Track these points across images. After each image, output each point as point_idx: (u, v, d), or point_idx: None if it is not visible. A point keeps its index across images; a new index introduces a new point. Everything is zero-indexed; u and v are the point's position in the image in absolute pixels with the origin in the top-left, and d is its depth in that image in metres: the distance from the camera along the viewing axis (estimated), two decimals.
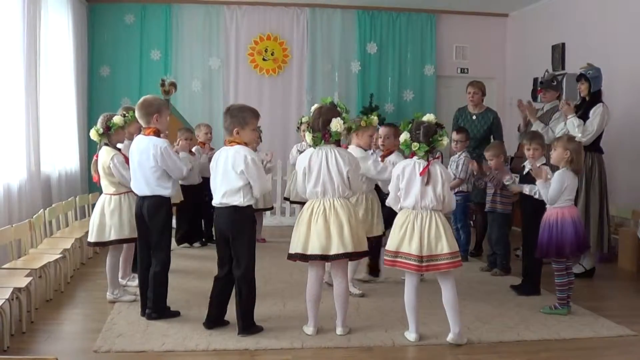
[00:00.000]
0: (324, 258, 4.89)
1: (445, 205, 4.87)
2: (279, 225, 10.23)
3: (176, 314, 5.50)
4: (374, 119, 6.07)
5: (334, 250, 4.83)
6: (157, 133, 5.38)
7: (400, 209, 4.92)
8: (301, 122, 8.66)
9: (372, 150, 8.82)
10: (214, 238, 5.23)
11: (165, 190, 5.37)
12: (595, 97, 7.19)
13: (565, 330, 5.28)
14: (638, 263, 7.40)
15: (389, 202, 5.06)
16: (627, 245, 7.78)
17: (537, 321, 5.47)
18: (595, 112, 7.09)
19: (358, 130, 5.94)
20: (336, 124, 4.88)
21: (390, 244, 4.88)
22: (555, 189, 5.61)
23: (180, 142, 7.70)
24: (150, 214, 5.36)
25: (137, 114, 5.42)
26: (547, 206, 5.72)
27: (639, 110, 8.37)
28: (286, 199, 9.32)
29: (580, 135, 6.86)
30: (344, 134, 5.06)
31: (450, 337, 4.88)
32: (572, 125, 7.05)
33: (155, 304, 5.41)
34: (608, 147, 8.01)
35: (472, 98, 8.61)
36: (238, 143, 4.96)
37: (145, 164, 5.32)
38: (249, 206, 4.99)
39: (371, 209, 6.13)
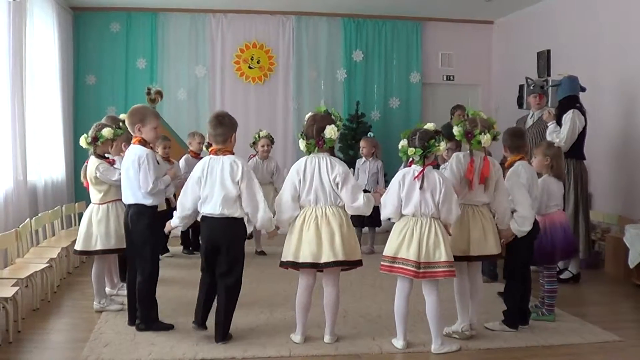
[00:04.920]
0: (315, 266, 4.87)
1: (443, 213, 4.78)
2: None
3: (168, 327, 5.35)
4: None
5: (324, 259, 4.81)
6: (142, 142, 5.36)
7: (401, 216, 4.89)
8: (259, 137, 8.77)
9: (364, 159, 8.87)
10: (201, 247, 5.18)
11: (147, 199, 5.32)
12: (568, 103, 7.31)
13: (552, 336, 5.30)
14: (624, 269, 7.44)
15: (387, 213, 4.93)
16: (613, 251, 7.82)
17: (525, 328, 5.48)
18: (566, 119, 7.26)
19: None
20: (330, 131, 4.87)
21: (388, 250, 4.87)
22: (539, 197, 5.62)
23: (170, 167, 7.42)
24: (132, 223, 5.33)
25: (126, 122, 5.43)
26: (536, 215, 5.68)
27: (623, 116, 8.43)
28: None
29: (557, 140, 6.97)
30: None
31: (433, 348, 4.89)
32: (550, 131, 7.25)
33: (143, 316, 5.34)
34: (593, 154, 8.06)
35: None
36: (230, 152, 4.99)
37: (130, 172, 5.31)
38: (242, 217, 5.03)
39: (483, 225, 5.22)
